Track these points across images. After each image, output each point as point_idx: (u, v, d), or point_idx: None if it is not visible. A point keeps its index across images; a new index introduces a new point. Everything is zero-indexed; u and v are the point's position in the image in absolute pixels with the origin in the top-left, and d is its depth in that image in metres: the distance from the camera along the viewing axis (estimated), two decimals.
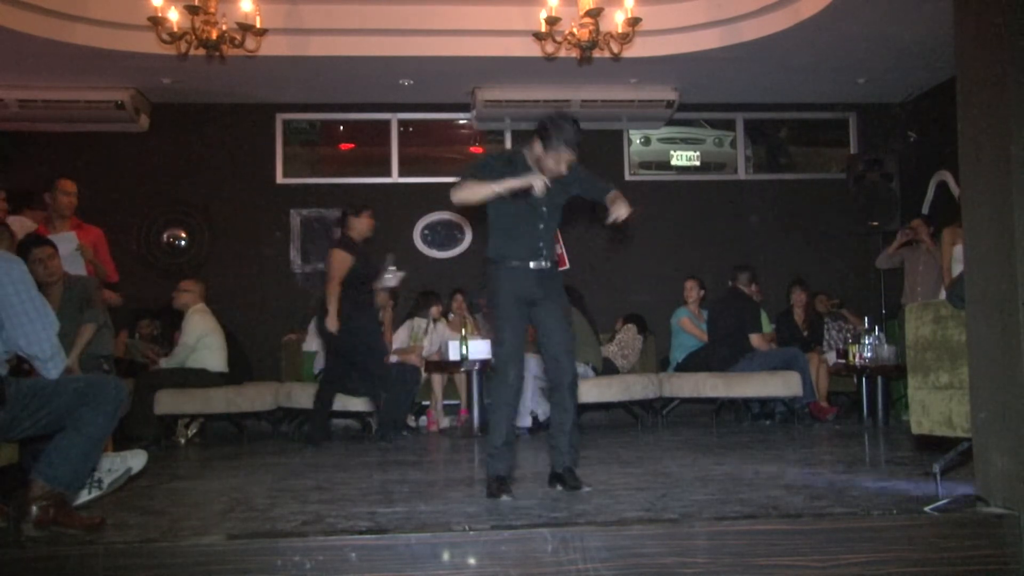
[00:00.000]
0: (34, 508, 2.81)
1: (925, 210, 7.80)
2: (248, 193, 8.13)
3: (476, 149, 8.63)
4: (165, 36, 5.66)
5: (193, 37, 5.61)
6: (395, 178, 8.31)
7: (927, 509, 2.78)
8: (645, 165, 8.62)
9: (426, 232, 8.25)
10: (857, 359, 6.45)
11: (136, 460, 3.52)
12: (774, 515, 2.87)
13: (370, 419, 6.58)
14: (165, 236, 7.98)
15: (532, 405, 6.05)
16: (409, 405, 6.24)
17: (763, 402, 6.74)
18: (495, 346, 3.65)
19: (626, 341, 6.93)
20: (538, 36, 5.88)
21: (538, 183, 3.42)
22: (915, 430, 3.49)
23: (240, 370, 6.68)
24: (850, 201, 7.90)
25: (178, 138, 8.05)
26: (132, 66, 6.98)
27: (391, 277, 6.10)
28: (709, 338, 6.84)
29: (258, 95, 7.86)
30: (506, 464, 3.53)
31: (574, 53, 5.98)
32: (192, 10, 5.54)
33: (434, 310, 6.88)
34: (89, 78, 7.22)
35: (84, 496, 3.26)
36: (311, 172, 8.44)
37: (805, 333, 7.37)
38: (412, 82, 7.61)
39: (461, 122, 8.49)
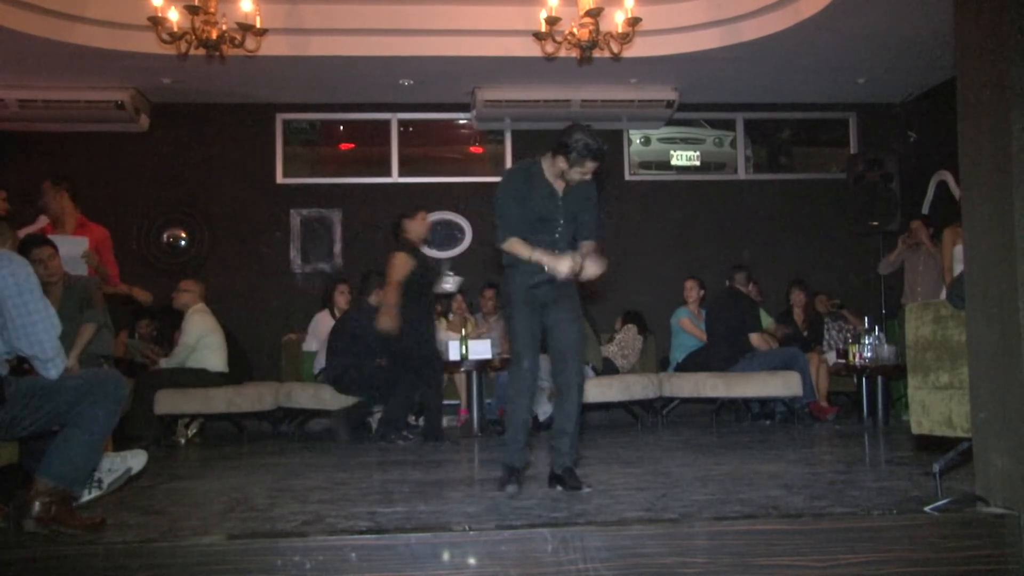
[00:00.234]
0: (36, 504, 2.81)
1: (925, 210, 7.80)
2: (248, 193, 8.13)
3: (476, 149, 8.63)
4: (165, 36, 5.66)
5: (193, 37, 5.61)
6: (395, 178, 8.31)
7: (927, 509, 2.78)
8: (645, 165, 8.62)
9: None
10: (857, 359, 6.45)
11: (136, 460, 3.52)
12: (774, 515, 2.87)
13: (370, 419, 6.59)
14: (165, 236, 7.98)
15: (533, 406, 6.05)
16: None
17: (763, 402, 6.74)
18: (510, 339, 3.74)
19: (626, 341, 6.93)
20: (538, 36, 5.87)
21: (564, 268, 3.53)
22: (915, 430, 3.49)
23: (240, 370, 6.68)
24: (850, 201, 7.90)
25: (178, 138, 8.05)
26: (132, 66, 6.98)
27: (450, 281, 6.19)
28: (708, 338, 6.84)
29: (258, 95, 7.86)
30: (521, 456, 3.67)
31: (574, 53, 5.98)
32: (192, 10, 5.53)
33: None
34: (89, 78, 7.22)
35: (84, 496, 3.26)
36: (311, 172, 8.44)
37: (805, 333, 7.37)
38: (412, 82, 7.61)
39: (461, 122, 8.49)
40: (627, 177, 8.47)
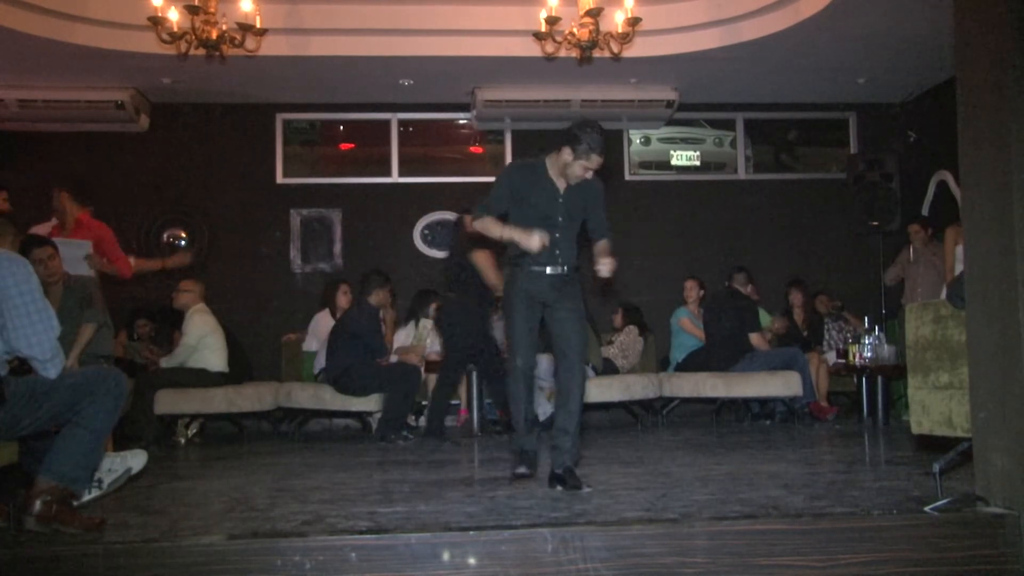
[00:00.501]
0: (37, 503, 2.82)
1: (925, 210, 7.80)
2: (248, 193, 8.13)
3: (476, 149, 8.63)
4: (165, 36, 5.66)
5: (193, 37, 5.61)
6: (395, 178, 8.31)
7: (927, 509, 2.78)
8: (645, 165, 8.62)
9: (426, 232, 8.25)
10: (857, 359, 6.45)
11: (136, 460, 3.52)
12: (774, 515, 2.87)
13: (370, 419, 6.59)
14: (165, 236, 7.97)
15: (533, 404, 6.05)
16: (409, 405, 6.24)
17: (763, 402, 6.74)
18: (507, 337, 3.82)
19: (627, 343, 6.92)
20: (538, 36, 5.87)
21: (535, 244, 3.58)
22: (915, 430, 3.49)
23: (240, 370, 6.68)
24: (850, 201, 7.90)
25: (178, 138, 8.05)
26: (132, 66, 6.98)
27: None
28: (708, 338, 6.84)
29: (258, 95, 7.86)
30: (529, 440, 3.81)
31: (574, 53, 5.98)
32: (192, 10, 5.54)
33: (434, 308, 6.87)
34: (89, 78, 7.22)
35: (84, 496, 3.26)
36: (311, 172, 8.44)
37: (805, 333, 7.37)
38: (412, 82, 7.61)
39: (461, 122, 8.49)
40: (627, 177, 8.47)
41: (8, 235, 3.37)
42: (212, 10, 5.59)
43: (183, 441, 6.31)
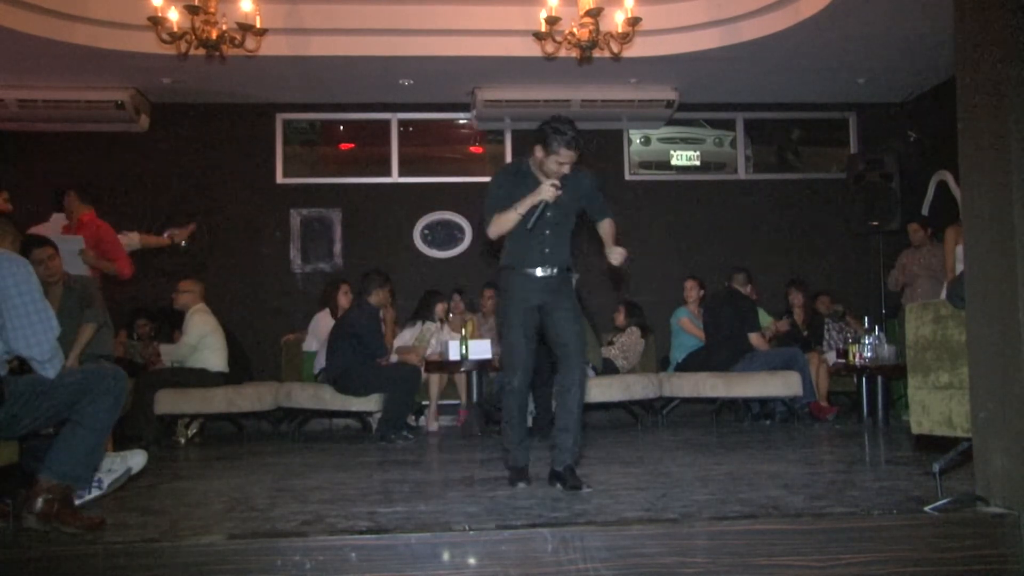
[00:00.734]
0: (39, 501, 2.82)
1: (925, 210, 7.80)
2: (248, 193, 8.13)
3: (476, 149, 8.63)
4: (165, 36, 5.66)
5: (193, 37, 5.61)
6: (395, 178, 8.31)
7: (927, 509, 2.78)
8: (645, 165, 8.62)
9: (426, 232, 8.25)
10: (857, 359, 6.45)
11: (136, 460, 3.52)
12: (774, 515, 2.87)
13: (370, 419, 6.59)
14: (165, 235, 7.95)
15: (531, 406, 6.06)
16: (409, 405, 6.24)
17: (763, 402, 6.74)
18: (503, 353, 3.81)
19: (628, 344, 6.91)
20: (538, 36, 5.87)
21: (548, 191, 3.57)
22: (915, 430, 3.49)
23: (240, 370, 6.68)
24: (850, 201, 7.90)
25: (178, 138, 8.05)
26: (132, 66, 6.98)
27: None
28: (707, 338, 6.84)
29: (258, 95, 7.86)
30: (524, 456, 3.77)
31: (574, 53, 5.97)
32: (192, 10, 5.53)
33: (439, 308, 6.87)
34: (89, 78, 7.22)
35: (84, 496, 3.26)
36: (311, 172, 8.44)
37: (805, 333, 7.37)
38: (412, 82, 7.61)
39: (461, 122, 8.49)
40: (627, 177, 8.47)
41: (8, 235, 3.37)
42: (212, 10, 5.59)
43: (183, 441, 6.30)
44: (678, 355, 7.09)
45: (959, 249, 5.53)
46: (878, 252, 7.95)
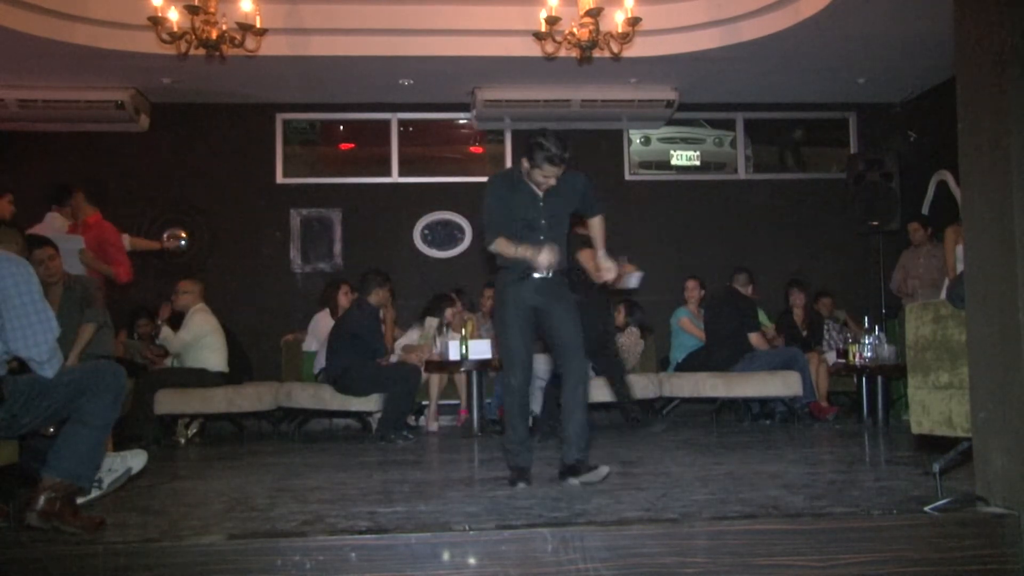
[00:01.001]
0: (41, 499, 2.83)
1: (925, 210, 7.80)
2: (248, 193, 8.13)
3: (476, 149, 8.63)
4: (165, 36, 5.65)
5: (193, 37, 5.60)
6: (395, 178, 8.31)
7: (927, 509, 2.78)
8: (645, 165, 8.62)
9: (426, 232, 8.25)
10: (857, 359, 6.45)
11: (136, 460, 3.52)
12: (774, 515, 2.87)
13: (370, 419, 6.59)
14: (165, 236, 7.97)
15: (533, 405, 6.05)
16: (409, 405, 6.24)
17: (763, 402, 6.74)
18: (501, 354, 3.86)
19: (628, 345, 6.90)
20: (538, 36, 5.87)
21: (544, 259, 3.65)
22: (915, 430, 3.49)
23: (240, 370, 6.68)
24: (850, 201, 7.90)
25: (178, 138, 8.05)
26: (132, 66, 6.98)
27: (634, 279, 6.29)
28: (707, 338, 6.84)
29: (258, 95, 7.86)
30: (524, 457, 3.77)
31: (574, 53, 5.97)
32: (192, 10, 5.53)
33: (449, 312, 6.85)
34: (89, 78, 7.22)
35: (84, 495, 3.26)
36: (311, 172, 8.44)
37: (804, 333, 7.37)
38: (412, 82, 7.61)
39: (461, 122, 8.49)
40: (627, 177, 8.47)
41: (15, 245, 3.37)
42: (212, 10, 5.58)
43: (183, 441, 6.30)
44: (678, 355, 7.09)
45: (959, 249, 5.53)
46: (878, 252, 7.95)
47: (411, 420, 6.67)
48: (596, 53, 5.92)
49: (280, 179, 8.22)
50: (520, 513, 3.03)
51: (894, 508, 2.93)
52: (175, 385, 6.10)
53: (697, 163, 8.65)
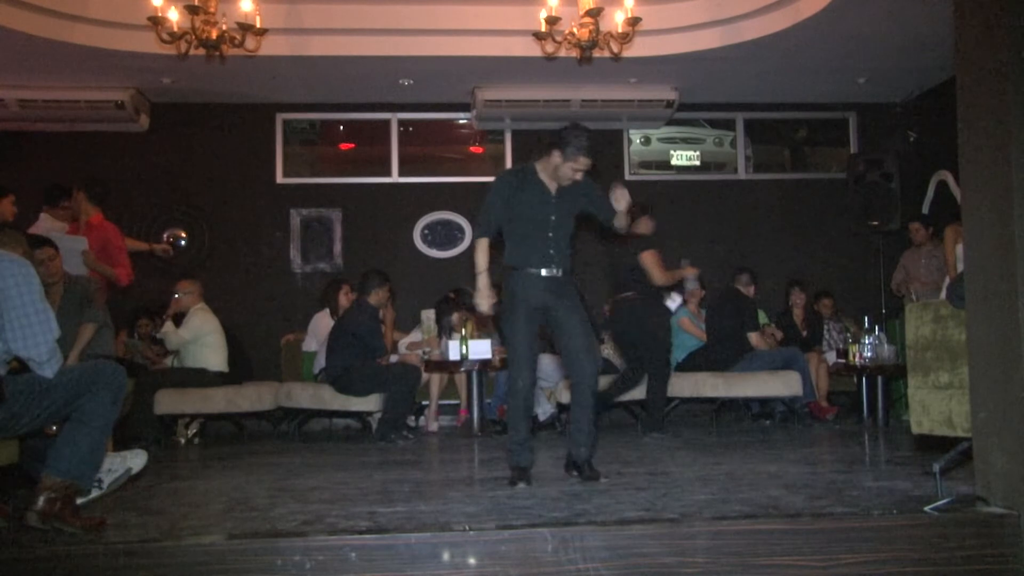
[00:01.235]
0: (41, 499, 2.83)
1: (925, 210, 7.80)
2: (248, 193, 8.13)
3: (476, 149, 8.63)
4: (165, 36, 5.65)
5: (193, 37, 5.60)
6: (395, 178, 8.31)
7: (927, 509, 2.78)
8: (645, 165, 8.62)
9: (426, 232, 8.25)
10: (857, 359, 6.45)
11: (136, 460, 3.52)
12: (774, 515, 2.87)
13: (370, 419, 6.59)
14: (165, 236, 7.96)
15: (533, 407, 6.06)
16: (409, 405, 6.24)
17: (763, 402, 6.74)
18: (508, 354, 3.87)
19: None
20: (538, 36, 5.87)
21: (483, 306, 3.80)
22: (915, 430, 3.49)
23: (240, 370, 6.68)
24: (850, 201, 7.90)
25: (178, 138, 8.05)
26: (132, 66, 6.98)
27: (691, 279, 6.34)
28: (708, 338, 6.84)
29: (258, 95, 7.86)
30: (526, 457, 3.79)
31: (574, 53, 5.97)
32: (192, 10, 5.53)
33: (455, 317, 6.84)
34: (89, 78, 7.21)
35: (84, 496, 3.26)
36: (311, 172, 8.44)
37: (804, 333, 7.36)
38: (412, 82, 7.61)
39: (461, 122, 8.49)
40: (627, 177, 8.46)
41: (19, 247, 3.38)
42: (212, 10, 5.58)
43: (183, 441, 6.31)
44: (678, 355, 7.07)
45: (959, 249, 5.53)
46: (878, 252, 7.95)
47: (411, 420, 6.66)
48: (596, 53, 5.92)
49: (280, 179, 8.22)
50: (520, 513, 3.03)
51: (894, 508, 2.94)
52: (175, 385, 6.10)
53: (697, 163, 8.65)
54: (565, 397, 5.95)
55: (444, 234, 8.26)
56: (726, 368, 6.52)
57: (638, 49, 6.58)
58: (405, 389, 6.01)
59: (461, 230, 8.24)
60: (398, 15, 6.75)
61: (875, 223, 7.75)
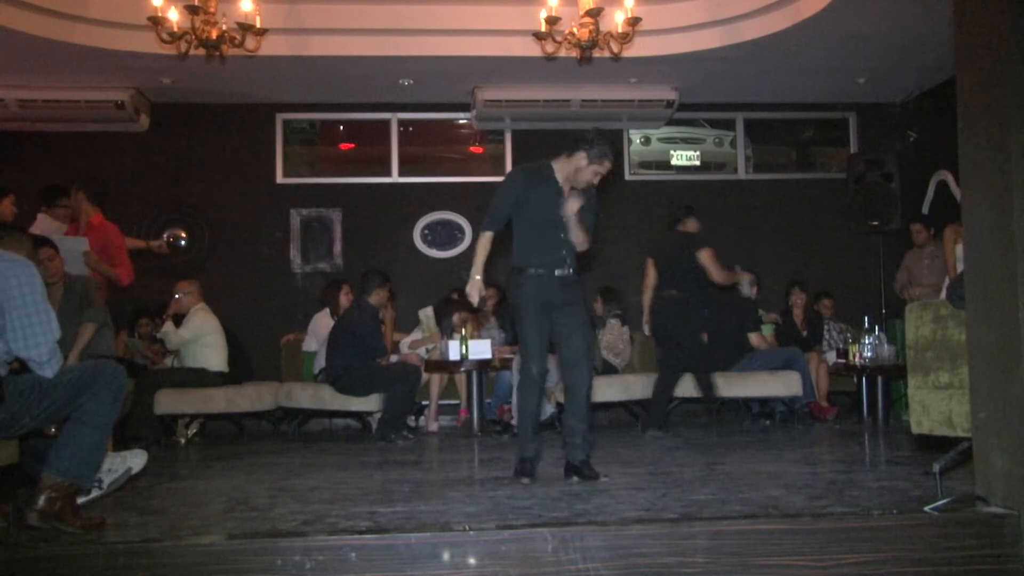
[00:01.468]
0: (41, 498, 2.83)
1: (925, 210, 7.79)
2: (248, 193, 8.13)
3: (476, 149, 8.63)
4: (165, 36, 5.66)
5: (193, 37, 5.61)
6: (395, 178, 8.31)
7: (927, 509, 2.78)
8: (645, 165, 8.62)
9: (426, 232, 8.25)
10: (857, 359, 6.45)
11: (136, 460, 3.52)
12: (774, 515, 2.87)
13: (370, 419, 6.59)
14: (165, 236, 7.95)
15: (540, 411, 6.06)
16: (409, 405, 6.24)
17: (763, 402, 6.74)
18: (520, 345, 3.89)
19: (612, 341, 6.85)
20: (538, 36, 5.87)
21: (473, 296, 3.83)
22: (915, 430, 3.49)
23: (240, 370, 6.68)
24: (850, 201, 7.90)
25: (178, 138, 8.05)
26: (132, 66, 6.98)
27: (746, 284, 6.48)
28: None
29: (258, 95, 7.86)
30: (532, 449, 3.82)
31: (574, 53, 5.97)
32: (192, 10, 5.53)
33: (456, 317, 6.83)
34: (89, 78, 7.21)
35: (84, 496, 3.26)
36: (311, 172, 8.44)
37: (804, 333, 7.36)
38: (412, 82, 7.61)
39: (461, 122, 8.49)
40: (627, 177, 8.46)
41: (23, 248, 3.38)
42: (212, 10, 5.58)
43: (183, 441, 6.31)
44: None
45: (959, 249, 5.52)
46: (878, 252, 7.95)
47: (411, 420, 6.66)
48: (596, 53, 5.92)
49: (280, 179, 8.22)
50: (520, 513, 3.03)
51: (894, 508, 2.94)
52: (175, 385, 6.10)
53: (697, 163, 8.65)
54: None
55: (444, 234, 8.26)
56: (726, 368, 6.52)
57: (638, 49, 6.58)
58: (405, 389, 6.01)
59: (461, 230, 8.24)
60: (398, 15, 6.75)
61: (875, 223, 7.75)
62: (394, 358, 6.50)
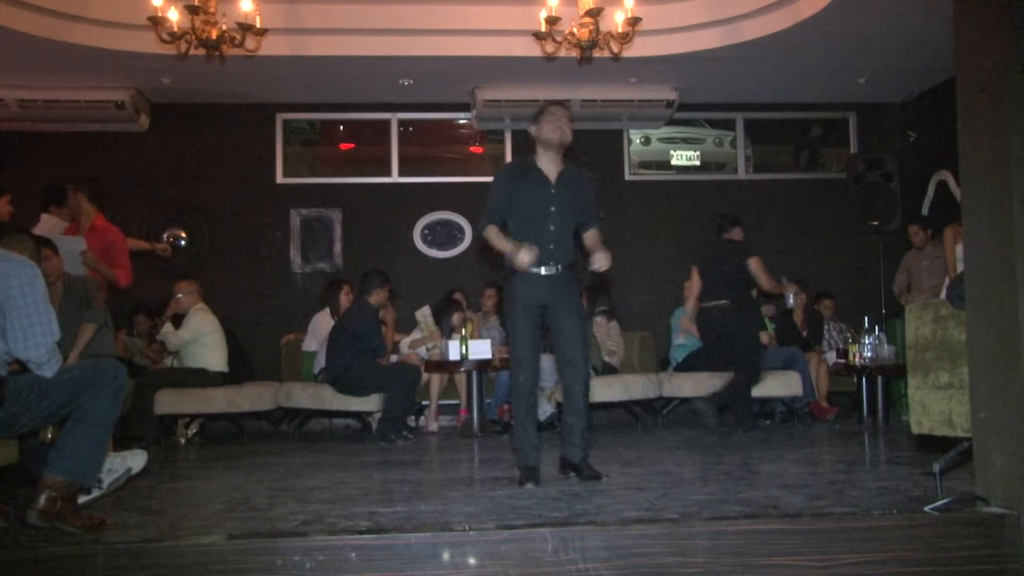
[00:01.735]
0: (42, 498, 2.83)
1: (925, 210, 7.80)
2: (248, 193, 8.13)
3: (476, 149, 8.63)
4: (165, 36, 5.66)
5: (193, 37, 5.61)
6: (395, 178, 8.30)
7: (927, 509, 2.78)
8: (645, 165, 8.62)
9: (426, 232, 8.25)
10: (857, 359, 6.45)
11: (136, 460, 3.52)
12: (774, 515, 2.87)
13: (370, 419, 6.59)
14: (165, 236, 7.95)
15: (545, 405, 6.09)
16: (409, 405, 6.24)
17: (763, 402, 6.73)
18: (510, 352, 3.87)
19: (603, 339, 6.82)
20: (538, 36, 5.87)
21: (523, 258, 3.64)
22: (915, 430, 3.49)
23: (240, 370, 6.68)
24: (850, 201, 7.90)
25: (178, 138, 8.05)
26: (132, 66, 6.98)
27: (791, 294, 6.64)
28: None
29: (258, 95, 7.86)
30: (533, 456, 3.77)
31: (574, 53, 5.97)
32: (192, 10, 5.53)
33: (456, 317, 6.84)
34: (89, 78, 7.21)
35: (84, 496, 3.26)
36: (311, 172, 8.44)
37: (804, 333, 7.36)
38: (412, 82, 7.61)
39: (461, 122, 8.49)
40: (627, 177, 8.47)
41: (26, 249, 3.38)
42: (212, 10, 5.58)
43: (183, 441, 6.31)
44: (678, 355, 7.08)
45: (959, 249, 5.53)
46: (878, 252, 7.95)
47: (411, 420, 6.66)
48: (596, 53, 5.92)
49: (280, 179, 8.21)
50: (520, 513, 3.03)
51: (894, 508, 2.94)
52: (175, 385, 6.10)
53: (697, 163, 8.65)
54: None
55: (444, 234, 8.26)
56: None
57: (638, 49, 6.58)
58: (405, 389, 6.01)
59: (461, 230, 8.24)
60: (398, 15, 6.75)
61: (875, 223, 7.75)
62: (394, 358, 6.50)
